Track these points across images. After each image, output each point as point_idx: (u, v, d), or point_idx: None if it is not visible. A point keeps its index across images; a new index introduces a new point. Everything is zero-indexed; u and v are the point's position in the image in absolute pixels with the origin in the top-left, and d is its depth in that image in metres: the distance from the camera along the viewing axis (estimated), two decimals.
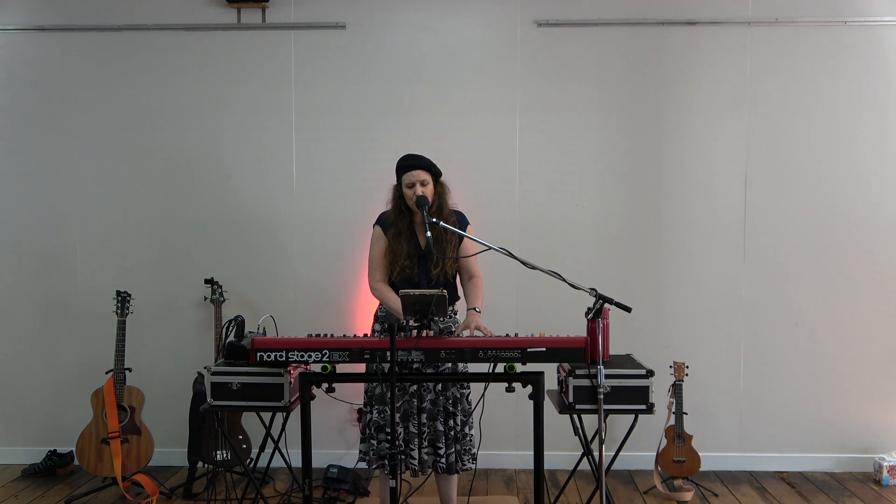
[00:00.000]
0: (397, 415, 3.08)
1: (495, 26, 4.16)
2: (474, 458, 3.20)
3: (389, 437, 3.05)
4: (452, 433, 3.15)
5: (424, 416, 3.12)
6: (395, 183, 3.22)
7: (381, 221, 3.28)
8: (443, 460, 3.13)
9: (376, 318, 3.30)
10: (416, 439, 3.11)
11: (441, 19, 4.17)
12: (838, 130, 4.11)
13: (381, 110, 4.17)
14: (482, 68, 4.16)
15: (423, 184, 3.11)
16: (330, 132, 4.19)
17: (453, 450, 3.15)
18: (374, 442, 3.13)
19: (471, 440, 3.20)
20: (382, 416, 3.13)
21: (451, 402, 3.15)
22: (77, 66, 4.22)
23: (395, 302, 3.14)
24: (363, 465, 3.25)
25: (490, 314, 3.95)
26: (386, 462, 3.07)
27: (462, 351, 2.85)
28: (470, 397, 3.23)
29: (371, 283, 3.27)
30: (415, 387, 3.12)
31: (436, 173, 3.18)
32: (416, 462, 3.11)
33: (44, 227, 4.27)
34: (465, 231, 3.22)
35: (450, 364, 3.09)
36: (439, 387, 3.14)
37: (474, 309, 3.14)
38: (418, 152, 3.20)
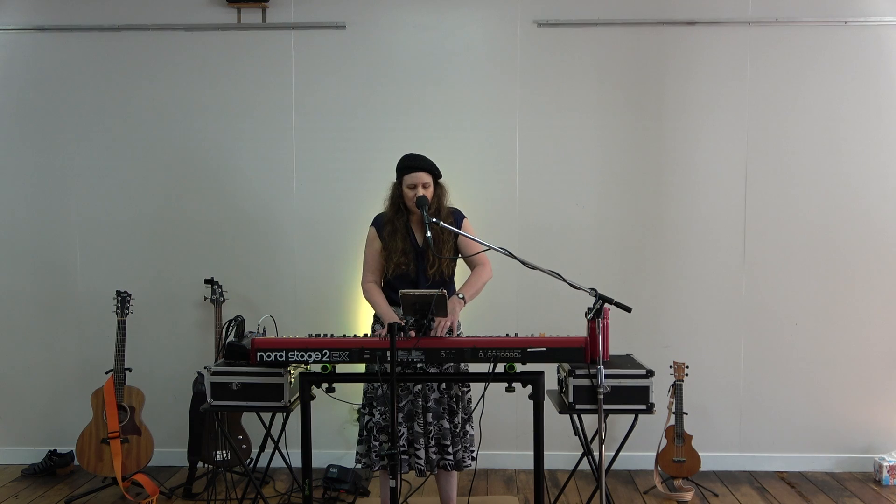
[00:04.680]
0: (400, 415, 3.10)
1: (495, 26, 4.16)
2: (473, 458, 3.20)
3: (405, 438, 3.08)
4: (458, 430, 3.15)
5: (430, 415, 3.12)
6: (396, 181, 3.22)
7: (376, 222, 3.29)
8: (450, 458, 3.14)
9: (376, 318, 3.30)
10: (423, 439, 3.11)
11: (441, 19, 4.17)
12: (839, 130, 4.11)
13: (380, 110, 4.17)
14: (482, 68, 4.16)
15: (424, 186, 3.12)
16: (330, 132, 4.19)
17: (459, 447, 3.16)
18: (377, 444, 3.13)
19: (470, 439, 3.21)
20: (384, 417, 3.13)
21: (454, 399, 3.15)
22: (77, 66, 4.22)
23: (381, 305, 3.17)
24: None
25: (490, 314, 3.99)
26: (386, 461, 3.08)
27: (462, 351, 2.85)
28: (469, 396, 3.23)
29: (362, 284, 3.28)
30: (419, 386, 3.12)
31: (436, 175, 3.19)
32: (422, 462, 3.11)
33: (44, 227, 4.27)
34: (461, 224, 3.22)
35: (452, 363, 3.09)
36: (443, 385, 3.14)
37: (458, 295, 3.07)
38: (418, 152, 3.21)
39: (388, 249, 3.19)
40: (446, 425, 3.13)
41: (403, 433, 3.10)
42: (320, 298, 4.21)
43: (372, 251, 3.26)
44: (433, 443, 3.13)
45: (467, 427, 3.19)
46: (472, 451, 3.20)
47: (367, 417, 3.19)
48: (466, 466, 3.18)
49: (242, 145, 4.22)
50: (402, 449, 3.07)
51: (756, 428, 4.20)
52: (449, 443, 3.13)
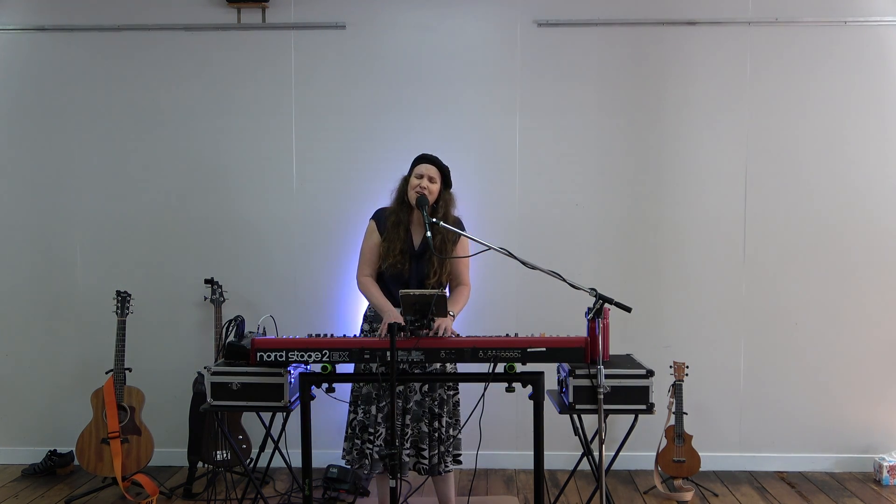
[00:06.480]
0: (380, 414, 3.09)
1: (495, 26, 4.16)
2: (457, 460, 3.17)
3: (383, 438, 3.07)
4: (437, 434, 3.13)
5: (409, 417, 3.11)
6: (405, 175, 3.23)
7: (377, 216, 3.28)
8: (425, 462, 3.12)
9: (365, 317, 3.29)
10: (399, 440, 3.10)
11: (441, 19, 4.17)
12: (838, 130, 4.11)
13: (380, 110, 4.17)
14: (482, 68, 4.16)
15: (430, 180, 3.13)
16: (330, 132, 4.19)
17: (437, 451, 3.13)
18: (358, 441, 3.12)
19: (456, 442, 3.18)
20: (367, 416, 3.12)
21: (436, 403, 3.14)
22: (77, 66, 4.22)
23: (378, 298, 3.14)
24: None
25: (490, 314, 3.99)
26: (367, 462, 3.08)
27: (462, 351, 2.85)
28: (457, 399, 3.21)
29: (358, 277, 3.25)
30: (401, 387, 3.11)
31: (446, 178, 3.21)
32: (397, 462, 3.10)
33: (44, 227, 4.27)
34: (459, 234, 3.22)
35: (438, 364, 3.08)
36: (425, 388, 3.13)
37: (449, 312, 3.03)
38: (418, 152, 3.23)
39: (388, 240, 3.17)
40: (424, 429, 3.12)
41: (381, 433, 3.09)
42: (320, 298, 4.21)
43: (370, 245, 3.24)
44: (408, 444, 3.12)
45: (451, 430, 3.17)
46: (458, 455, 3.18)
47: (352, 415, 3.18)
48: (447, 471, 3.16)
49: (242, 145, 4.22)
50: (394, 448, 3.07)
51: (756, 428, 4.20)
52: (425, 446, 3.12)
